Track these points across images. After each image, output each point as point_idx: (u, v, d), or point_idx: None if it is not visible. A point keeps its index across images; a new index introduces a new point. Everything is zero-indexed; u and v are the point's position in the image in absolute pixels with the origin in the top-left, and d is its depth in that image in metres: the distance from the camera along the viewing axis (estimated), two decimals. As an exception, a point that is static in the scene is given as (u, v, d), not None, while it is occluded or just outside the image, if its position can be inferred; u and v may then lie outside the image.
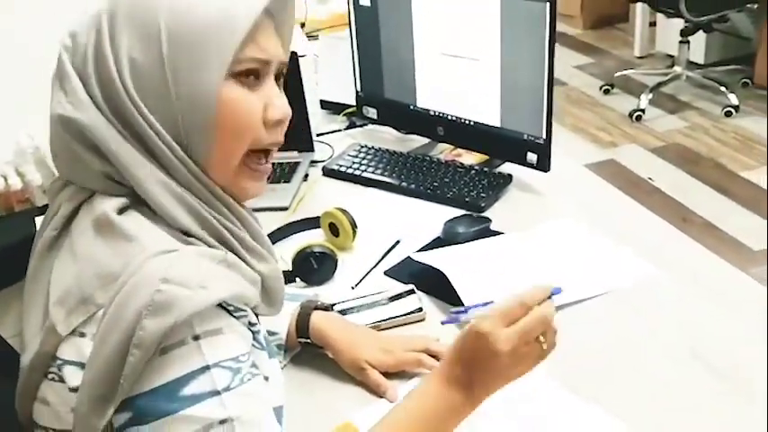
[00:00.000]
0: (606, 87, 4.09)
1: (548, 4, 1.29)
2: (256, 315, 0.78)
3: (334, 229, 1.35)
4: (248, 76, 0.73)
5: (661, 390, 0.96)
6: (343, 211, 1.34)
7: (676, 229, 1.34)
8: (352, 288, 1.24)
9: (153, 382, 0.64)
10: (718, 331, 1.05)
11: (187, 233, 0.70)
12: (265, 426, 0.69)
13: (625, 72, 4.13)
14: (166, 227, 0.70)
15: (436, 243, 1.32)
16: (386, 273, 1.27)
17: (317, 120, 1.86)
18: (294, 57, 1.60)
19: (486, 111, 1.48)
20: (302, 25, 2.34)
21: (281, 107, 0.76)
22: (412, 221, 1.42)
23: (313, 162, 1.68)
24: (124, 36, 0.69)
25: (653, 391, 0.95)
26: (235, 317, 0.70)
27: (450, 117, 1.57)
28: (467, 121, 1.53)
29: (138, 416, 0.64)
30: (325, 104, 1.92)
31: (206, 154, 0.71)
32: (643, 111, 3.73)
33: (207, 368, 0.65)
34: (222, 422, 0.65)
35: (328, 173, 1.63)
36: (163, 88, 0.69)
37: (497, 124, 1.48)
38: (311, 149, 1.70)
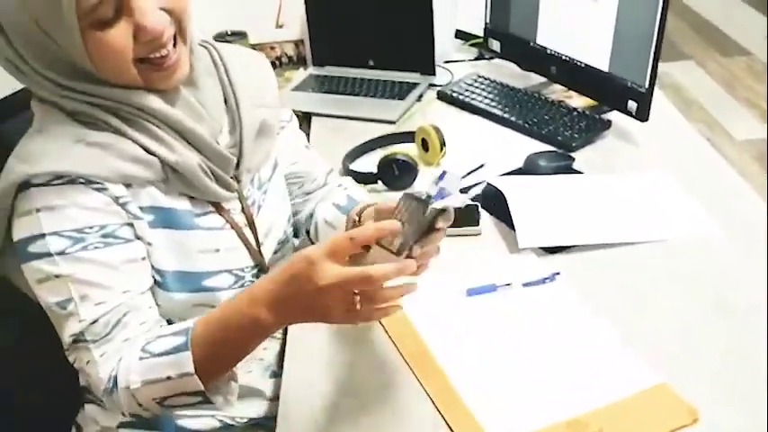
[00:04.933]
0: (795, 63, 3.76)
1: (669, -50, 1.28)
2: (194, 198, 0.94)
3: (425, 144, 1.45)
4: (102, 20, 0.80)
5: (685, 339, 0.99)
6: (436, 129, 1.44)
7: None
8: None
9: (14, 236, 0.86)
10: (745, 291, 1.07)
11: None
12: (105, 287, 0.85)
13: (821, 49, 3.76)
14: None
15: (516, 173, 1.39)
16: (461, 190, 1.35)
17: (449, 47, 1.94)
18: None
19: (596, 53, 1.50)
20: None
21: (152, 28, 0.82)
22: (501, 150, 1.48)
23: (432, 85, 1.78)
24: None
25: (678, 340, 0.99)
26: (95, 189, 0.85)
27: (563, 57, 1.59)
28: (578, 63, 1.56)
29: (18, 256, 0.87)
30: (460, 34, 1.99)
31: (98, 75, 0.85)
32: (829, 93, 3.41)
33: (43, 235, 0.83)
34: (57, 276, 0.84)
35: (441, 96, 1.72)
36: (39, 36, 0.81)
37: (605, 69, 1.49)
38: (432, 73, 1.79)
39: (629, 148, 1.47)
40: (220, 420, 1.02)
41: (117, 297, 0.86)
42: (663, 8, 1.33)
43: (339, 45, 1.86)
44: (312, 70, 1.89)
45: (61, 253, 0.83)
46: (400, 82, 1.77)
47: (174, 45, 0.87)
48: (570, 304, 1.05)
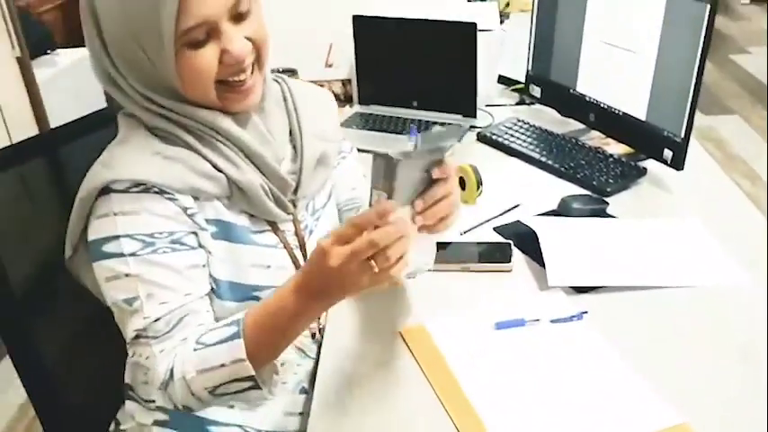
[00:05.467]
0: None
1: (708, 5, 1.32)
2: (252, 215, 1.01)
3: (462, 183, 1.50)
4: (194, 42, 0.88)
5: (708, 384, 1.00)
6: (474, 168, 1.49)
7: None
8: (461, 234, 1.39)
9: (90, 236, 0.94)
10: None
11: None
12: (169, 289, 0.92)
13: None
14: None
15: (550, 214, 1.42)
16: (495, 228, 1.40)
17: (491, 92, 2.00)
18: (473, 30, 1.75)
19: (634, 103, 1.54)
20: (507, 4, 2.48)
21: (236, 53, 0.90)
22: (536, 192, 1.52)
23: (473, 127, 1.83)
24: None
25: (701, 384, 1.00)
26: (167, 198, 0.92)
27: (602, 105, 1.64)
28: (616, 111, 1.60)
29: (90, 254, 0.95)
30: (502, 79, 2.06)
31: (180, 92, 0.93)
32: None
33: (117, 237, 0.91)
34: (127, 275, 0.91)
35: (481, 138, 1.77)
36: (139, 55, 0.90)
37: (642, 117, 1.53)
38: (473, 116, 1.85)
39: (663, 196, 1.49)
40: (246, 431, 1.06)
41: (180, 299, 0.93)
42: (701, 60, 1.37)
43: (385, 86, 1.93)
44: (358, 108, 1.97)
45: (133, 254, 0.91)
46: (442, 123, 1.84)
47: (252, 72, 0.95)
48: (596, 342, 1.07)
